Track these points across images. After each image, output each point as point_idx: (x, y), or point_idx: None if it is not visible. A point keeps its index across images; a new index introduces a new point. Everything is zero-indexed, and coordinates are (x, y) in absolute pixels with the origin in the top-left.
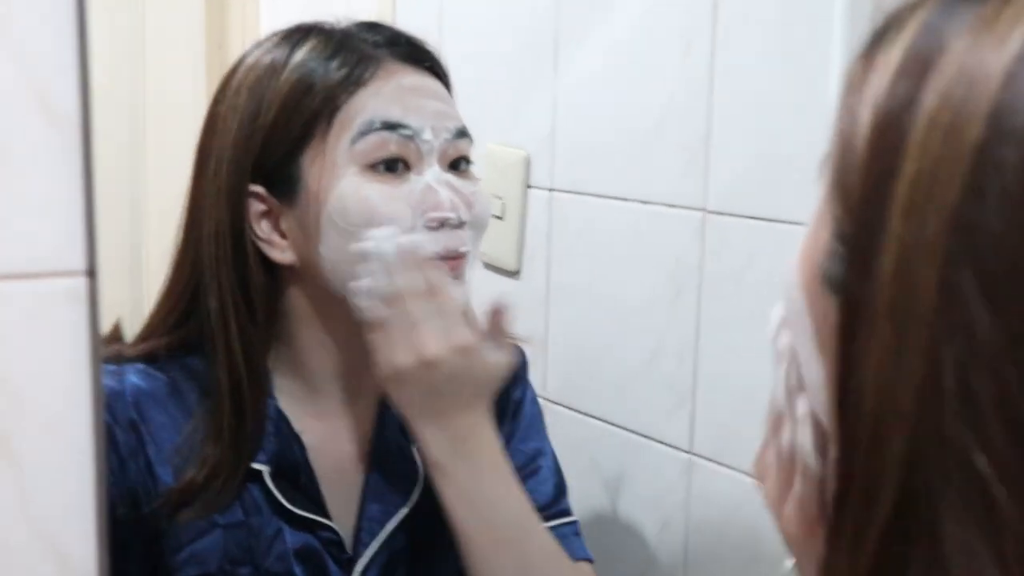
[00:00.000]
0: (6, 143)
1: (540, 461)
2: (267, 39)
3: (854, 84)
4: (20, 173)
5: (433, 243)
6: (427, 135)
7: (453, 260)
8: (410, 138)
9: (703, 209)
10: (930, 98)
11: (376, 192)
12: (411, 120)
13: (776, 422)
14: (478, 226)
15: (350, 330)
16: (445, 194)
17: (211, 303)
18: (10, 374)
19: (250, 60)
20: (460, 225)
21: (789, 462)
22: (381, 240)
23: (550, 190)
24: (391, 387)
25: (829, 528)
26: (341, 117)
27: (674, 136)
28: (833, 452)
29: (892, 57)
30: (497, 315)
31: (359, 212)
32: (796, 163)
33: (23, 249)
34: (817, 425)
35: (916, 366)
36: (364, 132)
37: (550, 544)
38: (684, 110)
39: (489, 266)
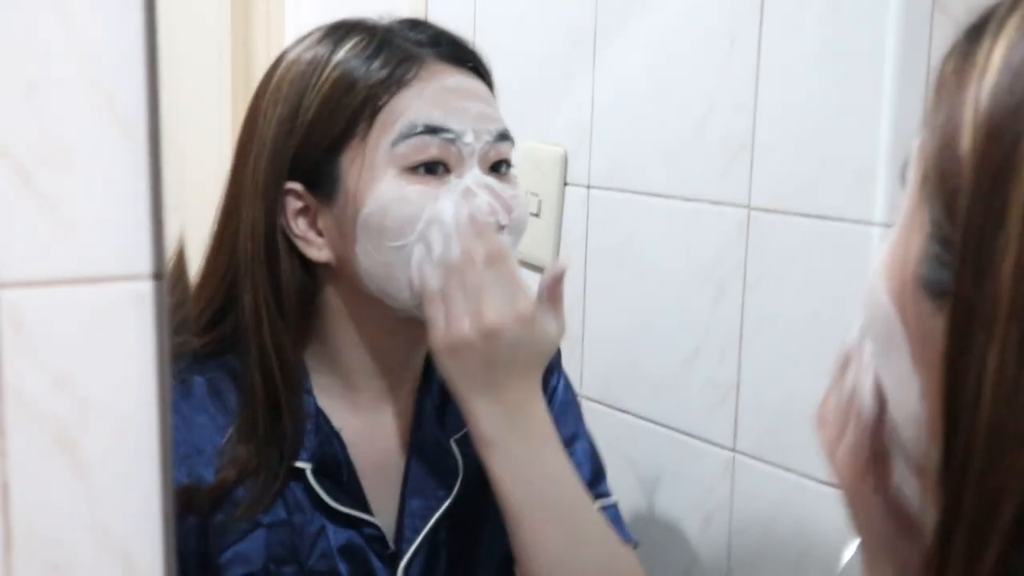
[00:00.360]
0: (72, 145)
1: (574, 446)
2: (310, 35)
3: (950, 85)
4: (86, 176)
5: None
6: (469, 138)
7: None
8: (452, 141)
9: (747, 206)
10: None
11: (414, 195)
12: (453, 123)
13: (843, 366)
14: (516, 230)
15: (385, 329)
16: (484, 198)
17: (245, 299)
18: (77, 379)
19: (292, 56)
20: (499, 229)
21: (848, 407)
22: (445, 208)
23: (588, 187)
24: (447, 358)
25: (939, 546)
26: (382, 118)
27: (718, 132)
28: (937, 464)
29: (996, 57)
30: (554, 281)
31: (396, 215)
32: (842, 160)
33: (89, 253)
34: (877, 376)
35: None
36: (406, 135)
37: (600, 520)
38: (728, 105)
39: (525, 264)
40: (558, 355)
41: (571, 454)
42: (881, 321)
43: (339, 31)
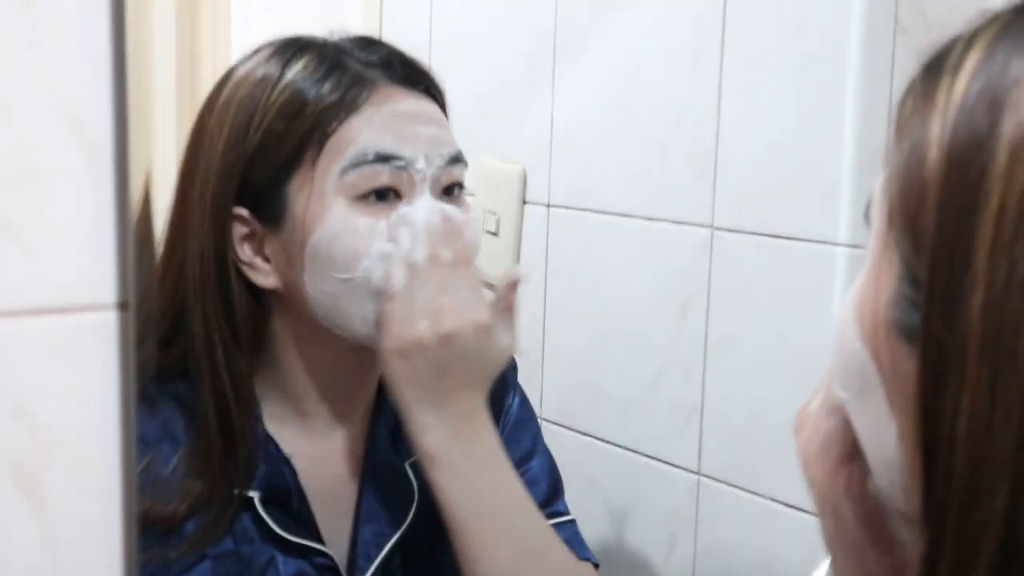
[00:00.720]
0: (34, 169)
1: (531, 462)
2: (259, 51)
3: (911, 124)
4: (48, 201)
5: None
6: (420, 164)
7: None
8: (403, 168)
9: (710, 226)
10: (1009, 129)
11: (363, 228)
12: (404, 150)
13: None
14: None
15: (334, 356)
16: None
17: (196, 328)
18: (39, 414)
19: (240, 73)
20: None
21: (824, 406)
22: (418, 210)
23: (548, 206)
24: (399, 361)
25: None
26: (332, 144)
27: (680, 150)
28: (914, 508)
29: (956, 94)
30: (509, 289)
31: (344, 247)
32: (806, 179)
33: (50, 282)
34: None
35: (1016, 410)
36: (356, 163)
37: (551, 534)
38: (691, 123)
39: (483, 283)
40: (515, 373)
41: (527, 471)
42: (854, 366)
43: (289, 49)
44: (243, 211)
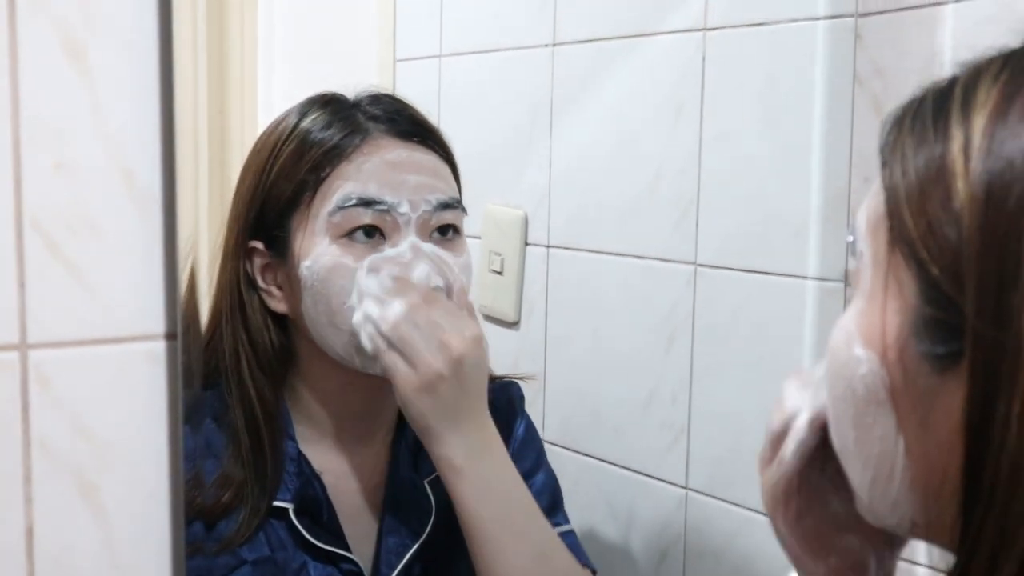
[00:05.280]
0: (93, 219)
1: (534, 477)
2: (296, 105)
3: (912, 160)
4: (106, 245)
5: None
6: (404, 208)
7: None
8: (385, 212)
9: (694, 263)
10: None
11: (344, 261)
12: (387, 196)
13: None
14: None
15: (344, 380)
16: (421, 265)
17: (226, 347)
18: (98, 431)
19: (273, 124)
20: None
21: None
22: (366, 278)
23: (547, 247)
24: (424, 396)
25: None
26: (324, 188)
27: (666, 195)
28: (907, 512)
29: (976, 124)
30: (463, 296)
31: (327, 278)
32: (778, 219)
33: (108, 315)
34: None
35: None
36: (341, 206)
37: (557, 539)
38: (675, 171)
39: (490, 318)
40: (523, 402)
41: (531, 485)
42: (860, 389)
43: (311, 104)
44: (259, 244)
